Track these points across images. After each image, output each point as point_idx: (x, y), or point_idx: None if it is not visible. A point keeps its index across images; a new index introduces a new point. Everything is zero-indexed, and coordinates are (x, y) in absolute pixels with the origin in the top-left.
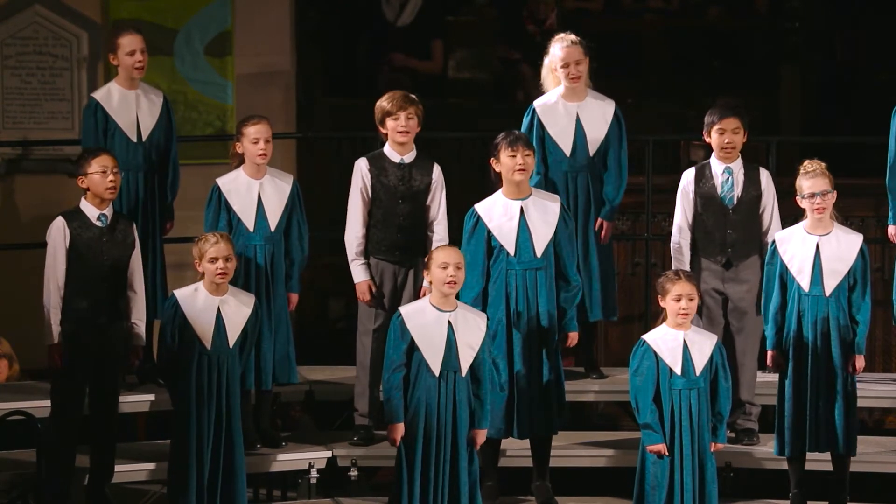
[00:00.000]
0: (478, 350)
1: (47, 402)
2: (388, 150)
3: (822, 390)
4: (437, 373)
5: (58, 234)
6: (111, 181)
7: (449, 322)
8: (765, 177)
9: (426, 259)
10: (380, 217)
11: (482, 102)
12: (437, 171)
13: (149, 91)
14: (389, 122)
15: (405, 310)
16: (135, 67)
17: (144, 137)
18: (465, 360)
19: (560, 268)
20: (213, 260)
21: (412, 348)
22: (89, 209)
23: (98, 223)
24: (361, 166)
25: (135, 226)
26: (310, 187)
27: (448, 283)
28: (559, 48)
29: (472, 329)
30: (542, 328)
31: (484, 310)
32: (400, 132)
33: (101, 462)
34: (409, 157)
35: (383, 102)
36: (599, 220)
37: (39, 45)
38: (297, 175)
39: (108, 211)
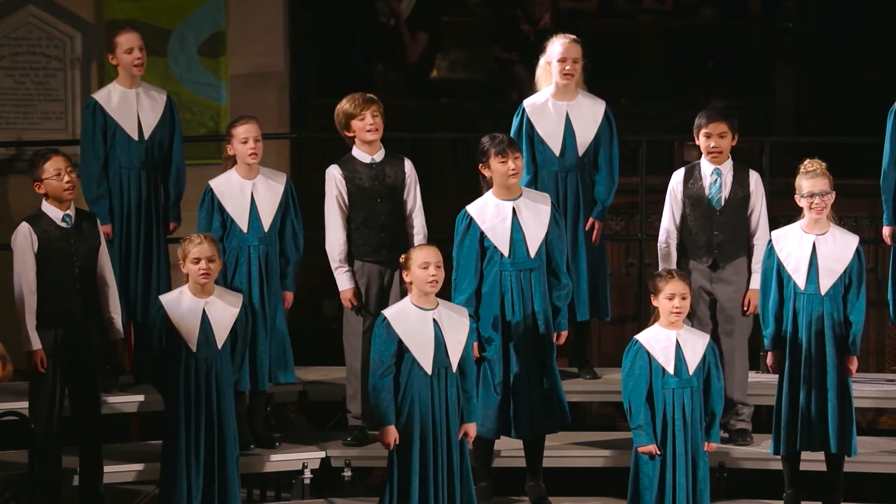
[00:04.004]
0: (464, 345)
1: None
2: (356, 152)
3: (815, 389)
4: (429, 371)
5: (24, 240)
6: (67, 182)
7: (434, 320)
8: (753, 178)
9: (404, 259)
10: (361, 220)
11: (477, 103)
12: (408, 165)
13: (150, 90)
14: (356, 124)
15: (389, 312)
16: (134, 65)
17: (147, 136)
18: (455, 356)
19: (551, 266)
20: (196, 261)
21: (401, 350)
22: (52, 211)
23: (63, 224)
24: (334, 174)
25: (97, 221)
26: (303, 188)
27: (430, 282)
28: (559, 44)
29: (458, 324)
30: (538, 328)
31: (477, 311)
32: (369, 130)
33: (90, 462)
34: (379, 155)
35: (344, 106)
36: (591, 219)
37: (33, 46)
38: (291, 175)
39: (71, 210)
